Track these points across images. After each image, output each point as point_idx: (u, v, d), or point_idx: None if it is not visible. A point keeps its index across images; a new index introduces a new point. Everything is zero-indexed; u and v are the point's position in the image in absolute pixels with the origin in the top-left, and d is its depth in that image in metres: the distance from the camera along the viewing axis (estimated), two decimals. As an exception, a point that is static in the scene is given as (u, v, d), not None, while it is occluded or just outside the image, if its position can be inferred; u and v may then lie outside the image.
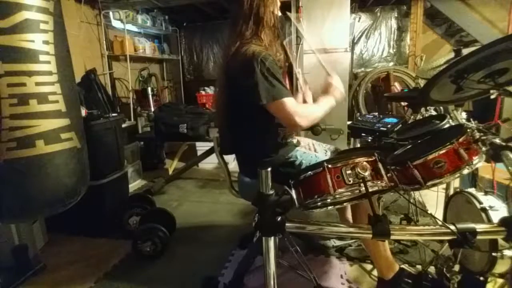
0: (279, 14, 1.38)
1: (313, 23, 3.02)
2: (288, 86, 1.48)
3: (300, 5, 2.98)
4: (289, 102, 1.23)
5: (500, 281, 1.23)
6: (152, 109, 3.94)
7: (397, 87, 4.04)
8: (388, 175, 0.98)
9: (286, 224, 0.91)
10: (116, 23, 3.96)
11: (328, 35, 3.00)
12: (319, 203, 0.97)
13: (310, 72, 3.05)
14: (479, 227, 0.87)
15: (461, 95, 1.25)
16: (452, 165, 0.97)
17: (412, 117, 1.96)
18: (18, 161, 1.24)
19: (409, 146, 1.29)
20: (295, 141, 1.49)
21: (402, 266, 1.41)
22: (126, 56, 3.91)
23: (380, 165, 0.97)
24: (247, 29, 1.30)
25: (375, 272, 1.61)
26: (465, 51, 1.46)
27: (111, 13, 3.81)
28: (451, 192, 1.62)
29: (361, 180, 0.92)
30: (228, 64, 1.31)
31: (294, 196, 1.00)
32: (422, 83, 2.94)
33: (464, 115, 1.58)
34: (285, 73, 1.55)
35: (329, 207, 0.99)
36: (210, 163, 3.60)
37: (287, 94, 1.23)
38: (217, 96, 1.47)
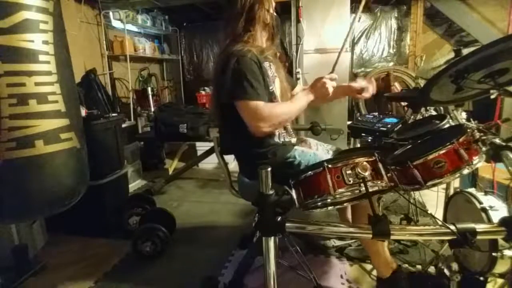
0: (275, 14, 1.38)
1: (313, 23, 3.02)
2: (285, 84, 1.48)
3: (300, 5, 2.98)
4: (252, 105, 1.19)
5: (500, 281, 1.23)
6: (152, 109, 3.94)
7: (397, 87, 4.03)
8: (388, 175, 0.98)
9: (286, 224, 0.91)
10: (116, 23, 3.96)
11: (328, 35, 3.00)
12: (319, 203, 0.97)
13: (310, 72, 3.06)
14: (479, 227, 0.86)
15: (461, 95, 1.25)
16: (452, 165, 0.97)
17: (412, 117, 1.96)
18: (17, 161, 1.24)
19: (409, 146, 1.29)
20: (294, 140, 1.49)
21: (402, 265, 1.41)
22: (126, 56, 3.91)
23: (380, 165, 0.97)
24: (238, 27, 1.29)
25: (375, 272, 1.61)
26: (465, 51, 1.45)
27: (111, 13, 3.80)
28: (451, 192, 1.62)
29: (361, 180, 0.92)
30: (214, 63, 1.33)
31: (294, 196, 1.00)
32: (422, 83, 2.94)
33: (464, 115, 1.58)
34: (285, 72, 1.54)
35: (329, 207, 0.99)
36: (210, 163, 3.60)
37: (252, 95, 1.19)
38: (211, 96, 1.47)
